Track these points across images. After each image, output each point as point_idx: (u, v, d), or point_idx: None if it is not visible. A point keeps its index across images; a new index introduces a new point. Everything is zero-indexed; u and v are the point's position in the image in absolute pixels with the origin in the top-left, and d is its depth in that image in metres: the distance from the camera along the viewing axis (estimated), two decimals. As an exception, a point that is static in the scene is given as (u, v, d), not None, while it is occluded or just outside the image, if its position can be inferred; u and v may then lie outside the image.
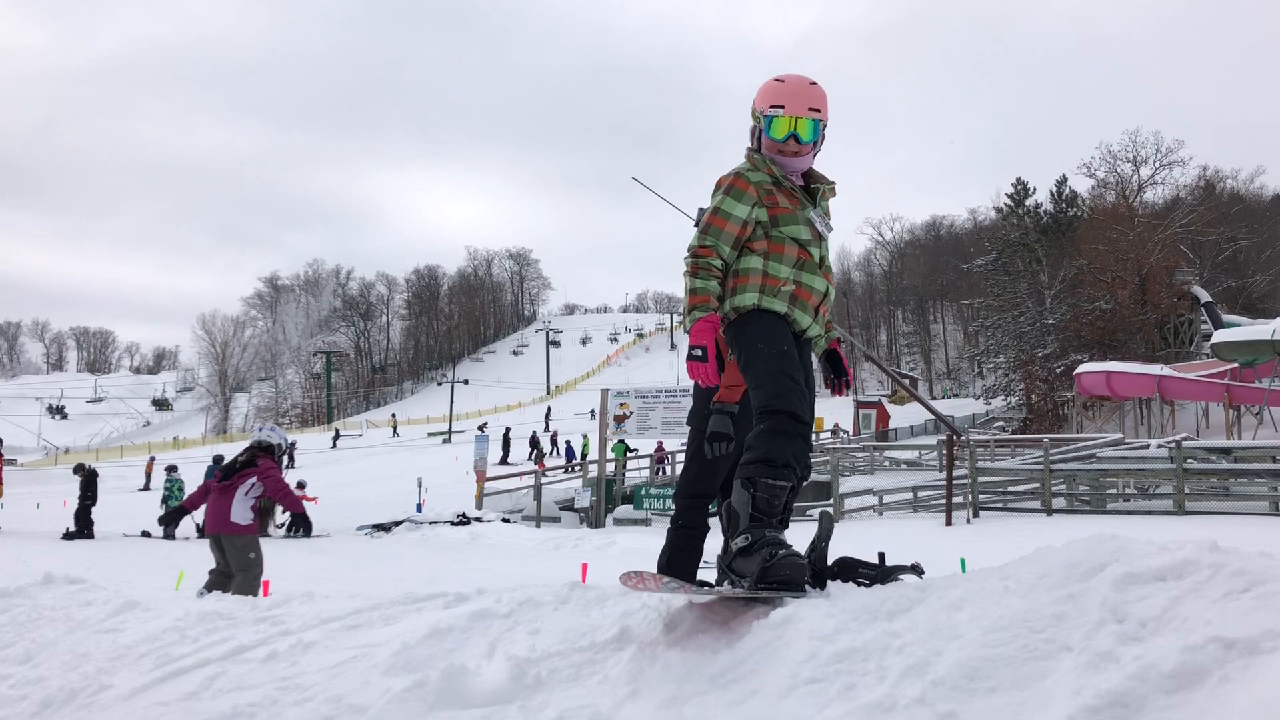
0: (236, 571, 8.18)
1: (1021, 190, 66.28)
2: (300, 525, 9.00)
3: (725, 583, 3.37)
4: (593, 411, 67.43)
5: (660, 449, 34.91)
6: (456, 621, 3.52)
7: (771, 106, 3.69)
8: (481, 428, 35.98)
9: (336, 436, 62.29)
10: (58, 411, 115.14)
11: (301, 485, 25.45)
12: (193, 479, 23.55)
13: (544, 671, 3.00)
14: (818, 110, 3.69)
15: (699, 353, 3.48)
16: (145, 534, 21.01)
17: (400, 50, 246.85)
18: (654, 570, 3.83)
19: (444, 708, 2.89)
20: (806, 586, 3.21)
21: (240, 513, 8.41)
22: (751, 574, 3.20)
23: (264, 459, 8.75)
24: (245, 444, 9.42)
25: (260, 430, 9.30)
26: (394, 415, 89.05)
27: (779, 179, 3.73)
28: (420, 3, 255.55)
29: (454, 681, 2.98)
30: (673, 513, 4.42)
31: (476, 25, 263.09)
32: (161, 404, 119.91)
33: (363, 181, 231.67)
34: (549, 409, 75.58)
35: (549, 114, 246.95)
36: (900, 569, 3.43)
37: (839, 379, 4.04)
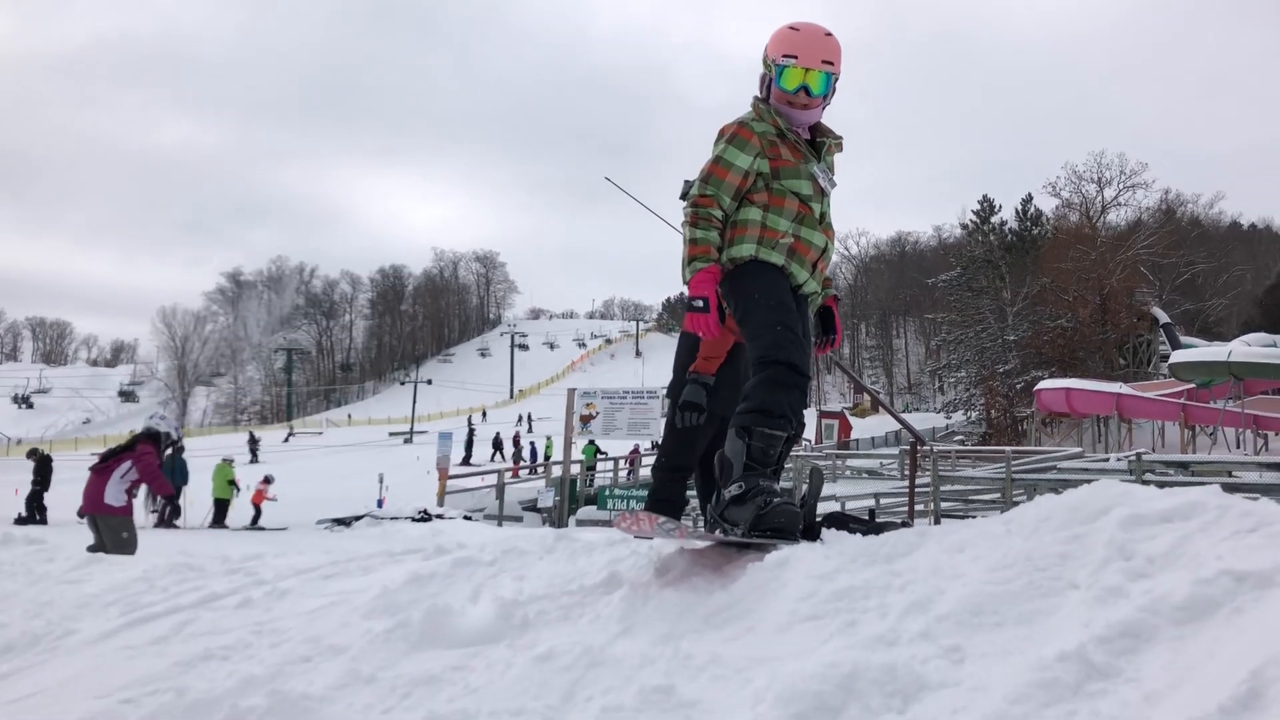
0: (111, 550, 8.23)
1: (987, 208, 66.92)
2: (170, 508, 9.42)
3: (719, 530, 3.30)
4: (529, 417, 67.45)
5: (635, 451, 34.82)
6: (439, 569, 3.43)
7: (784, 55, 3.56)
8: (471, 423, 35.84)
9: (290, 434, 60.91)
10: (23, 401, 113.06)
11: (269, 480, 25.14)
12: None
13: (532, 613, 2.92)
14: (831, 63, 3.58)
15: (700, 303, 3.40)
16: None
17: (369, 51, 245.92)
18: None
19: (428, 646, 2.80)
20: (799, 538, 3.16)
21: (114, 495, 8.72)
22: (745, 521, 3.15)
23: (144, 445, 9.03)
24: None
25: (152, 418, 9.74)
26: (350, 416, 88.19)
27: (784, 131, 3.63)
28: (390, 5, 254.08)
29: (438, 621, 2.89)
30: (650, 487, 4.37)
31: (446, 29, 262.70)
32: (128, 395, 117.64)
33: (328, 180, 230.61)
34: (529, 414, 74.99)
35: (517, 120, 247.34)
36: (891, 524, 3.39)
37: (828, 336, 3.98)
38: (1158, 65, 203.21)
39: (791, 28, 3.61)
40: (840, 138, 3.85)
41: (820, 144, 3.77)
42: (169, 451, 9.68)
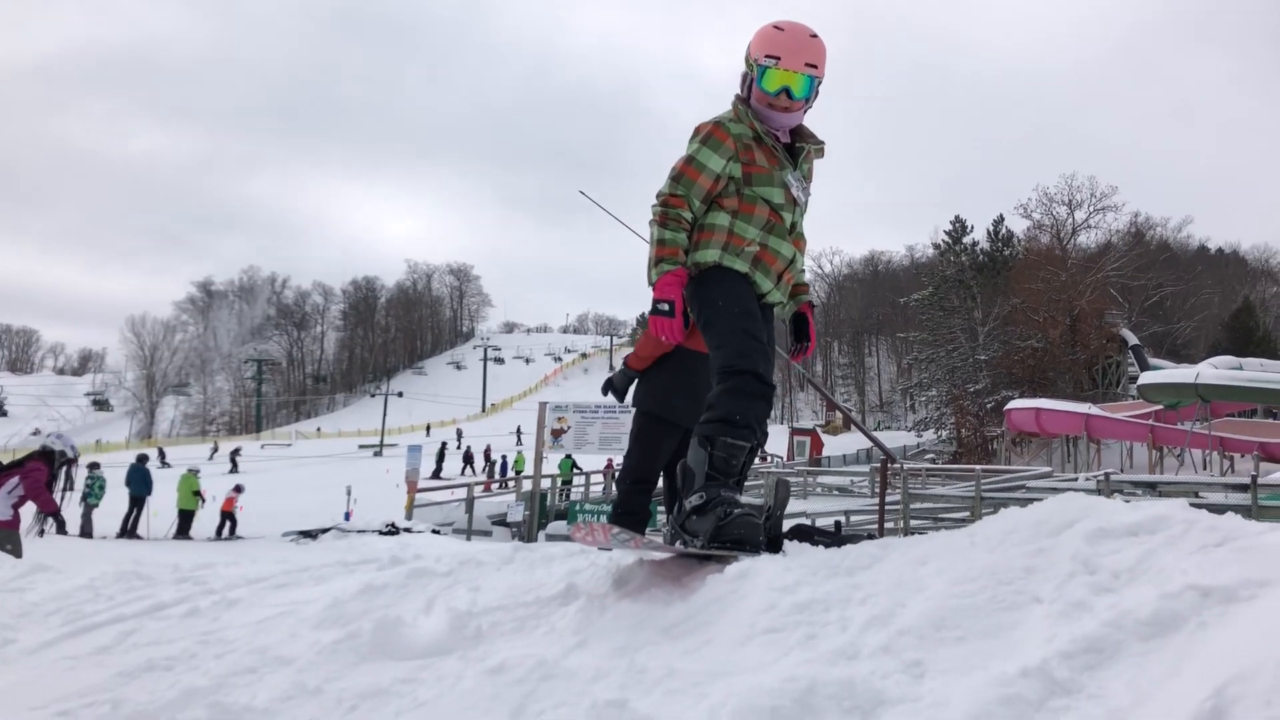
0: None
1: (959, 228, 67.37)
2: (55, 522, 9.77)
3: (678, 542, 3.23)
4: (519, 431, 67.06)
5: (610, 465, 34.66)
6: (392, 579, 3.35)
7: (767, 56, 3.44)
8: (460, 434, 35.60)
9: (236, 454, 57.44)
10: None
11: (239, 489, 24.86)
12: (115, 480, 22.84)
13: (485, 624, 2.85)
14: (815, 66, 3.47)
15: (665, 307, 3.31)
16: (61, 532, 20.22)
17: (342, 63, 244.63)
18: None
19: (377, 659, 2.72)
20: (761, 550, 3.10)
21: (1, 509, 8.89)
22: (705, 532, 3.09)
23: (35, 462, 9.29)
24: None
25: (48, 436, 9.91)
26: (319, 429, 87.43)
27: (761, 134, 3.52)
28: (363, 18, 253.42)
29: (389, 633, 2.81)
30: (614, 500, 4.33)
31: (419, 43, 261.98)
32: (102, 404, 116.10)
33: (300, 191, 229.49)
34: (519, 428, 74.24)
35: (491, 134, 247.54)
36: (857, 537, 3.34)
37: (801, 343, 3.90)
38: (1125, 91, 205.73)
39: (776, 27, 3.49)
40: (822, 143, 3.74)
41: (800, 149, 3.66)
42: (65, 468, 9.80)
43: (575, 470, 34.70)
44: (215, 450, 64.13)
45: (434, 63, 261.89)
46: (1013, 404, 44.95)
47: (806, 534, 3.33)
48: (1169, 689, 1.83)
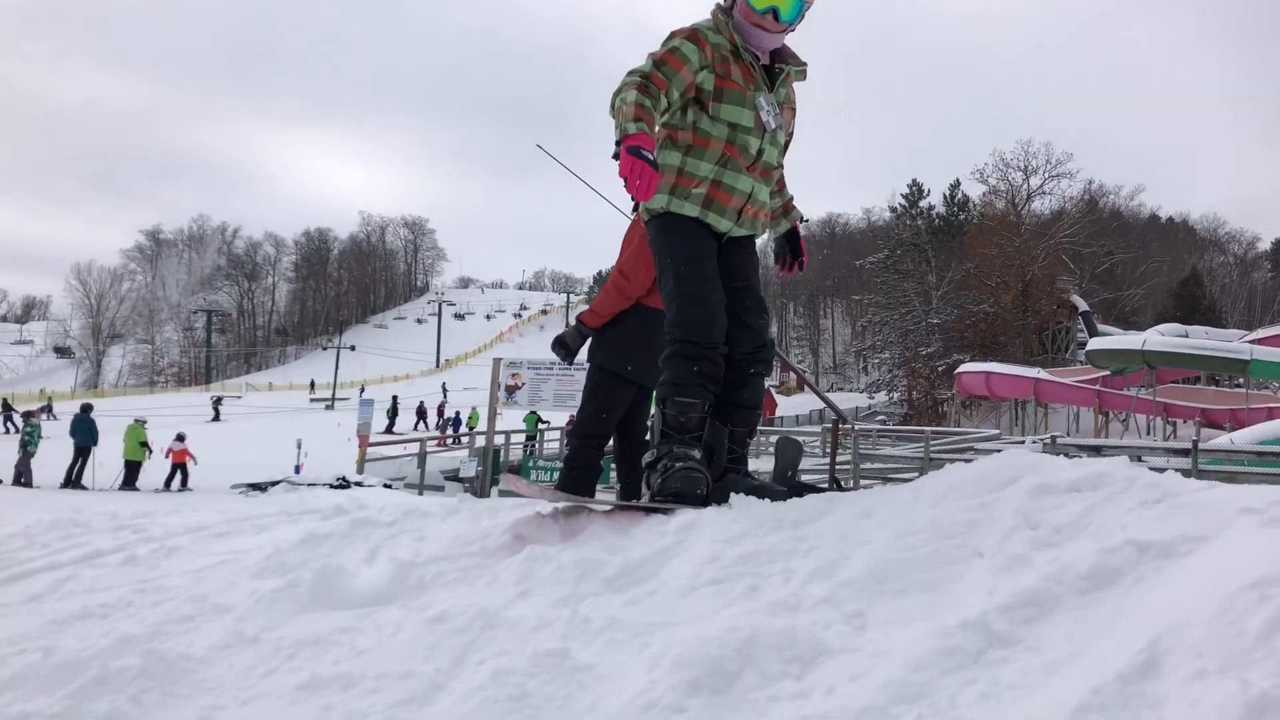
0: None
1: (916, 192, 67.75)
2: None
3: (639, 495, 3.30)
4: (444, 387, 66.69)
5: (572, 421, 34.53)
6: (335, 529, 3.31)
7: None
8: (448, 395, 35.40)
9: (218, 402, 58.85)
10: None
11: (181, 437, 24.47)
12: (60, 430, 22.47)
13: (429, 574, 2.82)
14: None
15: (649, 155, 2.97)
16: None
17: (289, 11, 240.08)
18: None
19: (317, 608, 2.69)
20: (706, 504, 3.09)
21: None
22: (653, 486, 3.14)
23: None
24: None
25: None
26: (270, 384, 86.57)
27: (739, 49, 3.34)
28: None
29: (329, 582, 2.77)
30: (567, 453, 4.31)
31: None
32: (63, 351, 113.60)
33: (248, 140, 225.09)
34: (444, 385, 73.86)
35: (442, 87, 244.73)
36: (816, 489, 3.37)
37: (794, 260, 3.86)
38: (1073, 55, 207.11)
39: None
40: (804, 65, 3.56)
41: (779, 71, 3.47)
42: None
43: (542, 424, 34.59)
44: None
45: (381, 11, 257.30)
46: (964, 367, 45.58)
47: (760, 489, 3.33)
48: (1106, 641, 1.85)
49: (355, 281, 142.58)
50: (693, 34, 3.31)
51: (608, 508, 3.11)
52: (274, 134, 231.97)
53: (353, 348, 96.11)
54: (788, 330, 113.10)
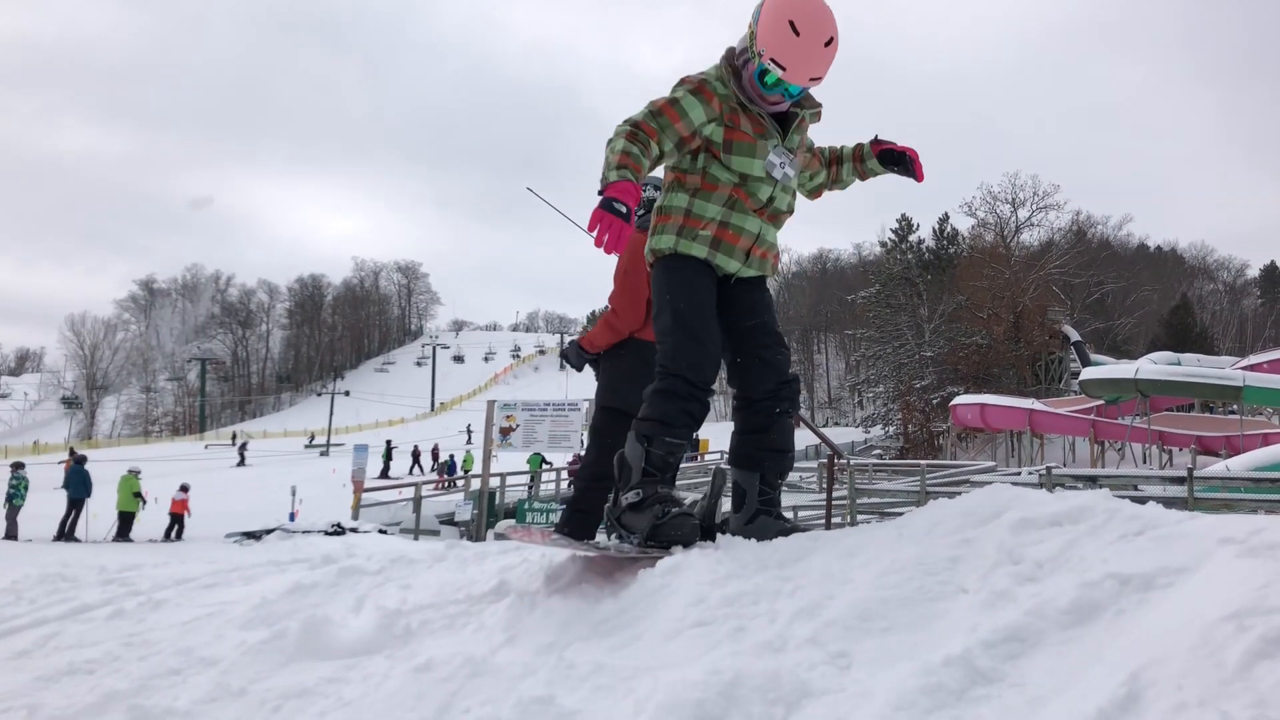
0: None
1: (905, 226, 68.10)
2: None
3: (614, 536, 3.21)
4: (469, 429, 66.50)
5: (576, 460, 34.28)
6: (322, 578, 3.30)
7: (772, 60, 3.14)
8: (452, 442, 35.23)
9: (243, 447, 59.57)
10: None
11: (185, 488, 24.38)
12: (52, 481, 22.38)
13: (415, 622, 2.81)
14: (818, 79, 3.23)
15: (622, 208, 2.89)
16: None
17: (275, 63, 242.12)
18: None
19: (304, 658, 2.68)
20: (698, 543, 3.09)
21: None
22: (641, 530, 3.07)
23: None
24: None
25: None
26: (265, 431, 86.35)
27: (746, 104, 3.29)
28: (295, 18, 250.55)
29: (316, 632, 2.76)
30: (571, 495, 4.26)
31: (354, 44, 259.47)
32: (71, 402, 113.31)
33: (241, 190, 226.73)
34: (469, 427, 73.32)
35: (430, 134, 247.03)
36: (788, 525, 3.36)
37: (912, 164, 3.63)
38: (1050, 93, 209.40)
39: (793, 26, 3.11)
40: (819, 106, 3.51)
41: (793, 116, 3.41)
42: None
43: (545, 466, 34.41)
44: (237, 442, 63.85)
45: (368, 62, 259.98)
46: (958, 400, 45.62)
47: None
48: (1087, 675, 1.85)
49: (350, 326, 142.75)
50: (700, 86, 3.25)
51: (606, 552, 3.09)
52: (265, 182, 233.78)
53: (347, 393, 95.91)
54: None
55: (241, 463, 53.84)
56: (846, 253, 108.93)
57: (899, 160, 3.65)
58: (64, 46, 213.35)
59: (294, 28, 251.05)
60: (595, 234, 2.87)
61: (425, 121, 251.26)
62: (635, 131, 3.12)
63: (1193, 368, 37.74)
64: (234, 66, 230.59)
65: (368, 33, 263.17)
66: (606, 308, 4.47)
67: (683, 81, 3.28)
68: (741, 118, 3.28)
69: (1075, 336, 54.77)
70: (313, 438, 72.41)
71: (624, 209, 2.88)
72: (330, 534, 23.51)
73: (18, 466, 23.23)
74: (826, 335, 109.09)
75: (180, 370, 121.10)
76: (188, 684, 2.68)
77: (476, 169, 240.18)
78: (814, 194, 3.91)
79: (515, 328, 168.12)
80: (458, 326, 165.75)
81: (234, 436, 61.82)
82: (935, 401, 55.50)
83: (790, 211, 3.53)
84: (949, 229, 68.10)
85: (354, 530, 24.56)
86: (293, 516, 26.10)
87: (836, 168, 3.80)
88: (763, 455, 3.39)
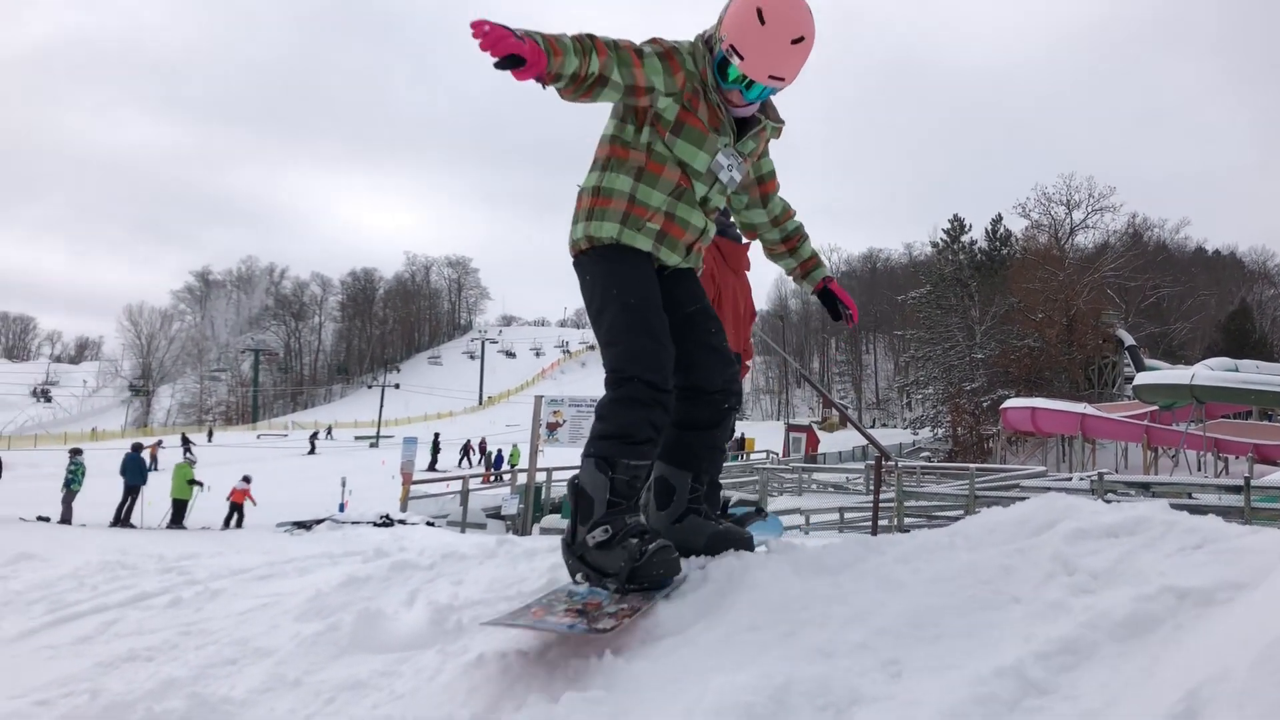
0: None
1: (958, 227, 67.40)
2: None
3: (578, 575, 2.86)
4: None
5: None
6: (375, 572, 3.35)
7: (731, 48, 2.90)
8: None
9: (314, 436, 61.41)
10: (42, 394, 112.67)
11: (247, 479, 24.85)
12: (111, 468, 22.85)
13: (466, 618, 2.84)
14: (781, 79, 2.96)
15: (513, 28, 2.58)
16: (43, 518, 20.19)
17: (327, 57, 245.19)
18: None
19: (357, 651, 2.72)
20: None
21: None
22: (618, 573, 2.73)
23: None
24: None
25: None
26: (316, 421, 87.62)
27: (709, 88, 3.02)
28: (348, 15, 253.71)
29: (369, 625, 2.81)
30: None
31: (404, 40, 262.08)
32: (138, 390, 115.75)
33: (295, 184, 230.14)
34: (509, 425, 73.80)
35: (479, 128, 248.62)
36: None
37: (845, 312, 3.62)
38: (1099, 97, 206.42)
39: (760, 13, 2.86)
40: (782, 123, 3.28)
41: (755, 122, 3.17)
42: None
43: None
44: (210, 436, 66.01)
45: (416, 59, 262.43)
46: (1009, 403, 45.00)
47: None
48: (1143, 691, 1.83)
49: (400, 320, 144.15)
50: (669, 52, 2.98)
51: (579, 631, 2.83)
52: (315, 176, 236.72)
53: (397, 386, 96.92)
54: (830, 366, 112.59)
55: (312, 451, 56.06)
56: (897, 252, 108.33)
57: (833, 305, 3.65)
58: (123, 41, 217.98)
59: (345, 25, 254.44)
60: (482, 37, 2.55)
61: (475, 118, 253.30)
62: (585, 38, 2.79)
63: (1251, 374, 36.96)
64: (285, 63, 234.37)
65: (419, 29, 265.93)
66: None
67: (653, 41, 3.00)
68: (701, 103, 3.03)
69: (1129, 341, 53.89)
70: (329, 431, 73.66)
71: (516, 31, 2.59)
72: (379, 525, 23.81)
73: (76, 453, 23.73)
74: (875, 335, 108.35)
75: (234, 361, 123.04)
76: (244, 674, 2.73)
77: (526, 165, 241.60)
78: (745, 228, 3.67)
79: (563, 323, 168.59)
80: (506, 321, 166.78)
81: (320, 428, 65.22)
82: (985, 404, 54.88)
83: (719, 210, 3.31)
84: (1002, 230, 67.33)
85: (402, 522, 24.85)
86: (342, 507, 26.38)
87: (785, 248, 3.64)
88: (704, 453, 3.16)
